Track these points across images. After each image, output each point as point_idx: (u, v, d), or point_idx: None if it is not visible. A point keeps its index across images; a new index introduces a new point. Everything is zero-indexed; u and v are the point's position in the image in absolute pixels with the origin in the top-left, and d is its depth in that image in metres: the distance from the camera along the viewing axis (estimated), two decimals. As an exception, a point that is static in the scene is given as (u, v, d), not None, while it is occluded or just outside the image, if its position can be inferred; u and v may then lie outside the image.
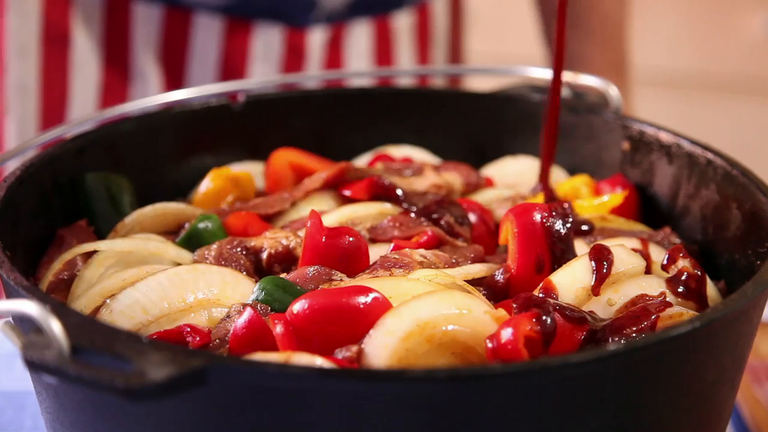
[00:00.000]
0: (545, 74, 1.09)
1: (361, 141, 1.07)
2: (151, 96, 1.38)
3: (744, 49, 3.10)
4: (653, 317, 0.74)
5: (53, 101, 1.39)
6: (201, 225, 0.88)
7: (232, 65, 1.40)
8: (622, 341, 0.71)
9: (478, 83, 1.09)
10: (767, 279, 0.73)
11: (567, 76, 1.07)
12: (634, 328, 0.73)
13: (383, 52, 1.46)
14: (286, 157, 1.01)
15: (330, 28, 1.41)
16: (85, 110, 1.39)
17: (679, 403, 0.70)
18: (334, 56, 1.43)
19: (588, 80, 1.06)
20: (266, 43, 1.39)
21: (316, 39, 1.41)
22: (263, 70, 1.40)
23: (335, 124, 1.08)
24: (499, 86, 1.11)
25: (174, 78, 1.40)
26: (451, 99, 1.10)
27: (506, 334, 0.69)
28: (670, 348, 0.67)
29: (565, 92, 1.07)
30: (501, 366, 0.65)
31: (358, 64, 1.45)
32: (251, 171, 1.01)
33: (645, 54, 2.92)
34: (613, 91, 1.04)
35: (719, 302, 0.79)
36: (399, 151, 1.06)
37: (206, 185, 0.97)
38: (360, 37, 1.44)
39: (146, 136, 1.00)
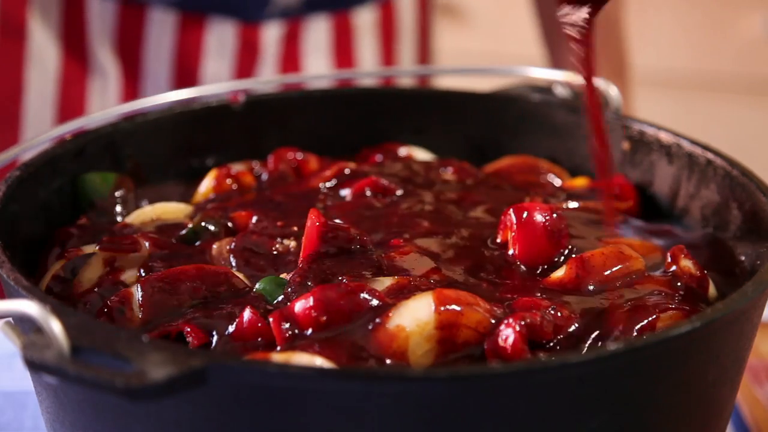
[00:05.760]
0: (545, 74, 1.09)
1: (361, 140, 1.07)
2: (111, 90, 1.38)
3: (743, 49, 3.10)
4: (653, 317, 0.74)
5: (6, 91, 1.39)
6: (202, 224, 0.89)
7: (186, 60, 1.40)
8: (622, 341, 0.71)
9: (477, 83, 1.09)
10: (767, 279, 0.73)
11: (567, 76, 1.07)
12: (634, 329, 0.73)
13: (343, 48, 1.46)
14: (285, 157, 1.01)
15: (285, 23, 1.42)
16: (42, 102, 1.40)
17: (679, 402, 0.71)
18: (290, 52, 1.43)
19: (588, 80, 1.06)
20: (220, 38, 1.39)
21: (271, 34, 1.41)
22: (217, 65, 1.41)
23: (335, 124, 1.08)
24: (499, 86, 1.11)
25: (131, 72, 1.41)
26: (451, 99, 1.10)
27: (506, 333, 0.69)
28: (670, 348, 0.67)
29: (565, 92, 1.07)
30: (501, 366, 0.65)
31: (316, 61, 1.46)
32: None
33: (644, 54, 2.91)
34: (612, 92, 1.04)
35: (719, 302, 0.79)
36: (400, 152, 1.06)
37: (206, 185, 0.97)
38: (318, 32, 1.44)
39: (146, 136, 1.00)
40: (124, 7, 1.39)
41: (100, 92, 1.40)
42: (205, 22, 1.39)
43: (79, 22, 1.39)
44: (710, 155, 0.92)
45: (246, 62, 1.42)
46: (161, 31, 1.39)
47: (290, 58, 1.44)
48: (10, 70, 1.39)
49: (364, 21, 1.47)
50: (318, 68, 1.45)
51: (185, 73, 1.40)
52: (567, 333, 0.73)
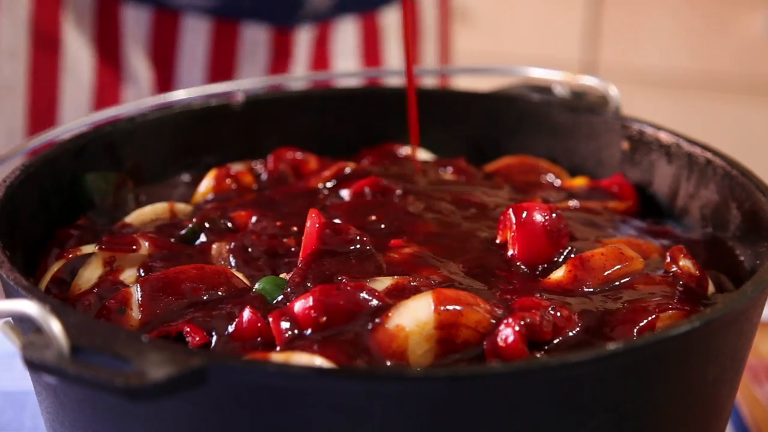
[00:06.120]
0: (545, 74, 1.09)
1: (361, 140, 1.07)
2: (144, 97, 1.39)
3: (743, 49, 3.10)
4: (653, 317, 0.74)
5: (42, 102, 1.39)
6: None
7: (220, 66, 1.41)
8: (622, 341, 0.71)
9: (476, 83, 1.09)
10: (767, 279, 0.73)
11: (567, 77, 1.07)
12: (634, 329, 0.73)
13: (371, 49, 1.47)
14: (285, 157, 1.01)
15: (316, 27, 1.42)
16: (77, 112, 1.40)
17: (678, 402, 0.71)
18: (320, 55, 1.44)
19: (588, 80, 1.06)
20: (253, 43, 1.40)
21: (303, 38, 1.41)
22: (251, 69, 1.41)
23: (335, 124, 1.08)
24: (499, 86, 1.11)
25: (165, 79, 1.41)
26: (451, 99, 1.10)
27: (506, 333, 0.69)
28: (670, 348, 0.67)
29: (564, 92, 1.07)
30: (501, 366, 0.65)
31: (345, 63, 1.46)
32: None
33: (644, 54, 2.92)
34: (612, 91, 1.04)
35: (718, 302, 0.79)
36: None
37: (206, 185, 0.97)
38: (347, 34, 1.45)
39: (146, 136, 1.00)
40: (158, 15, 1.39)
41: (134, 99, 1.40)
42: (239, 28, 1.40)
43: (113, 30, 1.39)
44: (710, 155, 0.92)
45: (279, 66, 1.42)
46: (195, 37, 1.40)
47: (320, 61, 1.45)
48: (45, 81, 1.39)
49: (391, 22, 1.48)
50: (347, 69, 1.46)
51: (219, 79, 1.40)
52: (566, 333, 0.73)
